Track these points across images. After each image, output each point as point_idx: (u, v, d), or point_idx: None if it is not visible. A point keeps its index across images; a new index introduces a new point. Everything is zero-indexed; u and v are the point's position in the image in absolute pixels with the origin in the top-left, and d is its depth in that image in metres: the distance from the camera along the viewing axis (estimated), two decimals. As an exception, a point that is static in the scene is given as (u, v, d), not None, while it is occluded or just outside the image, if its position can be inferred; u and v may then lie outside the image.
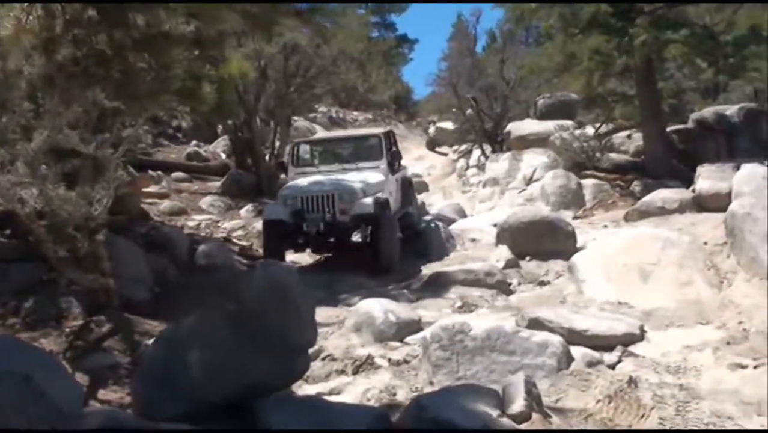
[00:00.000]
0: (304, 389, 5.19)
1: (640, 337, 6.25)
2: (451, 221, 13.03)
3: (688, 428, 4.35)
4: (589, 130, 17.15)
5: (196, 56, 6.45)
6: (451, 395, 4.30)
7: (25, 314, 5.98)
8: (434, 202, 17.08)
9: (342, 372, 5.64)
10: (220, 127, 18.85)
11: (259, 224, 11.11)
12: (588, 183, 14.48)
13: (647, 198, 11.82)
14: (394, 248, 9.72)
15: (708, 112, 15.93)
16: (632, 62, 13.81)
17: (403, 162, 12.09)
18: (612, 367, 5.56)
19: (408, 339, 6.36)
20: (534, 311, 6.52)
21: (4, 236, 7.00)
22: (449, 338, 5.35)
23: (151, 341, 5.31)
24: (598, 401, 4.68)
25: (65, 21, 5.07)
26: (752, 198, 7.96)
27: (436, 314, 7.36)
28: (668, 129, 15.49)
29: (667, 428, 4.36)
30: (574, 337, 5.88)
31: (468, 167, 22.19)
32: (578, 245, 9.57)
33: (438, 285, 8.77)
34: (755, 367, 5.34)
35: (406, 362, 5.76)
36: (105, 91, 5.90)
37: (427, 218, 12.77)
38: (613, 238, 9.11)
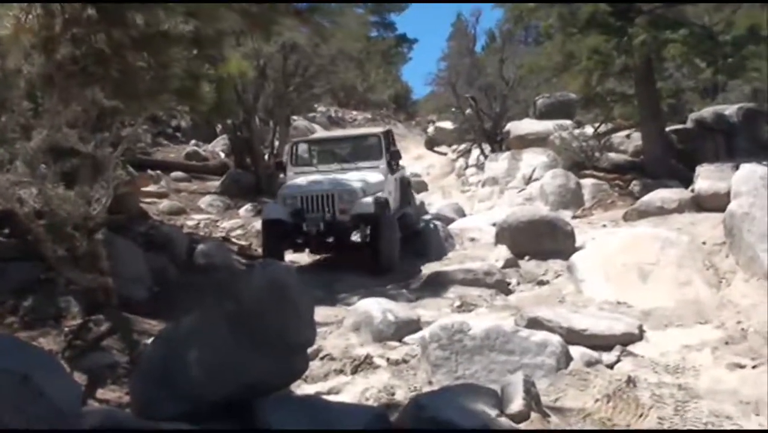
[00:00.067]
0: (303, 388, 5.19)
1: (638, 337, 6.25)
2: (450, 221, 13.03)
3: (687, 427, 4.36)
4: (588, 130, 17.15)
5: (195, 55, 6.44)
6: (450, 395, 4.31)
7: (24, 313, 5.97)
8: (433, 202, 17.09)
9: (341, 372, 5.64)
10: (219, 127, 18.85)
11: (257, 224, 11.11)
12: (587, 183, 14.49)
13: (646, 198, 11.82)
14: (394, 248, 9.70)
15: (707, 112, 15.93)
16: (631, 62, 13.81)
17: (402, 161, 12.09)
18: (611, 366, 5.56)
19: (407, 339, 6.36)
20: (533, 311, 6.53)
21: (3, 235, 6.99)
22: (448, 337, 5.35)
23: (150, 341, 5.31)
24: (597, 400, 4.68)
25: (64, 20, 5.07)
26: (751, 198, 7.96)
27: (435, 313, 7.35)
28: (667, 129, 15.50)
29: (665, 427, 4.36)
30: (572, 336, 5.88)
31: (467, 167, 22.21)
32: (577, 244, 9.58)
33: (437, 285, 8.77)
34: (754, 367, 5.35)
35: (405, 361, 5.76)
36: (104, 90, 5.89)
37: (426, 217, 12.77)
38: (612, 237, 9.12)
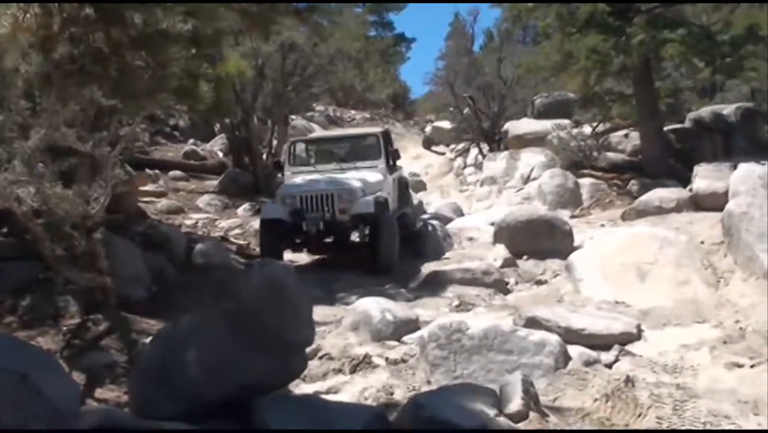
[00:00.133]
0: (301, 387, 5.18)
1: (637, 336, 6.26)
2: (448, 220, 13.04)
3: (685, 427, 4.36)
4: (587, 130, 17.16)
5: (194, 55, 6.44)
6: (449, 394, 4.30)
7: (22, 312, 5.96)
8: (432, 201, 17.09)
9: (339, 371, 5.64)
10: (217, 126, 18.84)
11: (256, 223, 11.08)
12: (585, 182, 14.49)
13: (644, 197, 11.83)
14: (393, 248, 9.67)
15: (705, 111, 15.94)
16: (629, 61, 13.82)
17: (400, 161, 12.07)
18: (609, 366, 5.56)
19: (405, 338, 6.36)
20: (531, 310, 6.53)
21: (1, 234, 6.98)
22: (446, 337, 5.35)
23: (148, 340, 5.30)
24: (596, 400, 4.68)
25: (62, 19, 5.06)
26: (749, 197, 7.98)
27: (434, 313, 7.35)
28: (665, 128, 15.51)
29: (664, 427, 4.36)
30: (571, 336, 5.89)
31: (465, 166, 22.21)
32: (575, 244, 9.59)
33: (435, 284, 8.78)
34: (752, 366, 5.35)
35: (404, 361, 5.76)
36: (102, 89, 5.89)
37: (425, 216, 12.76)
38: (611, 237, 9.13)
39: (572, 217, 12.68)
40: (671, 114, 16.71)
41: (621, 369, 5.42)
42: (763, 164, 9.01)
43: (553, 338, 5.48)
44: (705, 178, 11.44)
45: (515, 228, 10.08)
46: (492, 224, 11.27)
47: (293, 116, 20.13)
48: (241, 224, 12.51)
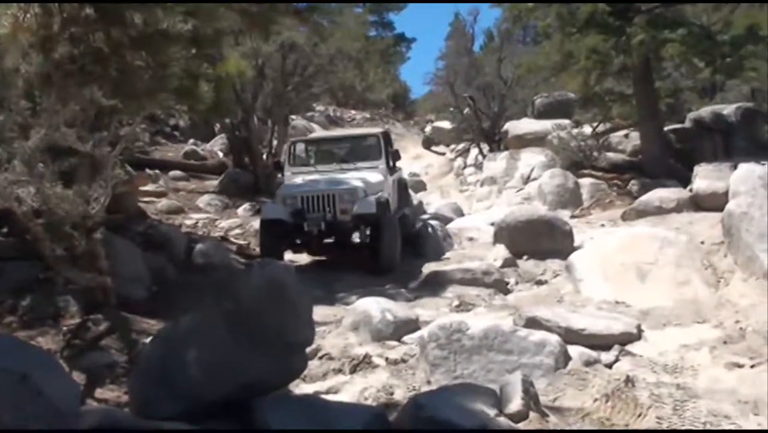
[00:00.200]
0: (301, 387, 5.18)
1: (637, 336, 6.26)
2: (448, 220, 13.03)
3: (685, 427, 4.36)
4: (587, 130, 17.17)
5: (194, 55, 6.44)
6: (449, 394, 4.30)
7: (22, 312, 5.96)
8: (432, 201, 17.09)
9: (339, 371, 5.64)
10: (217, 126, 18.84)
11: (256, 223, 11.06)
12: (585, 182, 14.49)
13: (644, 197, 11.82)
14: (395, 249, 9.64)
15: (705, 111, 15.94)
16: (629, 61, 13.82)
17: (400, 161, 12.05)
18: (609, 366, 5.56)
19: (405, 338, 6.36)
20: (531, 310, 6.53)
21: (2, 234, 6.98)
22: (447, 337, 5.35)
23: (148, 340, 5.30)
24: (596, 400, 4.68)
25: (62, 19, 5.06)
26: (749, 197, 7.98)
27: (434, 313, 7.35)
28: (665, 128, 15.51)
29: (664, 427, 4.36)
30: (571, 336, 5.89)
31: (465, 166, 22.21)
32: (575, 244, 9.59)
33: (435, 284, 8.78)
34: (752, 366, 5.36)
35: (404, 361, 5.76)
36: (102, 89, 5.88)
37: (425, 217, 12.76)
38: (611, 237, 9.13)
39: (572, 217, 12.68)
40: (671, 114, 16.71)
41: (621, 369, 5.42)
42: (763, 164, 9.01)
43: (554, 338, 5.48)
44: (705, 178, 11.44)
45: (515, 228, 10.08)
46: (492, 224, 11.27)
47: (293, 116, 20.14)
48: (241, 224, 12.51)
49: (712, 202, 10.32)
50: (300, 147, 11.32)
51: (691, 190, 11.59)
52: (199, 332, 4.11)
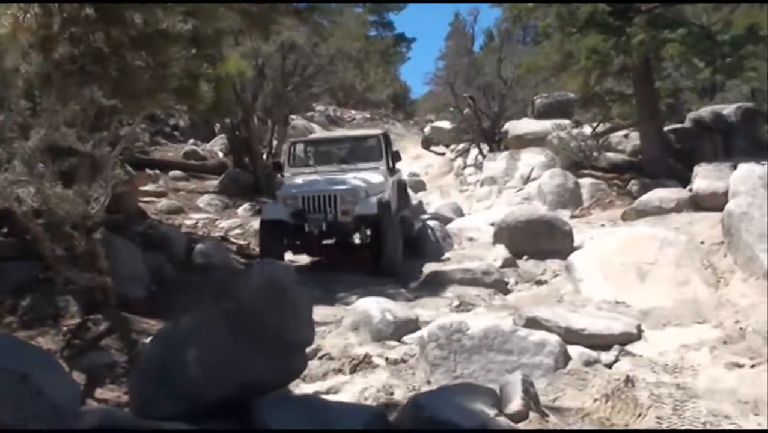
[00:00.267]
0: (301, 387, 5.18)
1: (637, 336, 6.26)
2: (448, 220, 13.03)
3: (685, 427, 4.36)
4: (587, 130, 17.18)
5: (194, 55, 6.44)
6: (449, 394, 4.30)
7: (22, 312, 5.95)
8: (432, 201, 17.10)
9: (339, 371, 5.64)
10: (217, 126, 18.84)
11: (256, 223, 11.04)
12: (585, 182, 14.49)
13: (644, 197, 11.83)
14: (397, 250, 9.58)
15: (705, 111, 15.95)
16: (629, 61, 13.83)
17: (399, 162, 12.03)
18: (609, 366, 5.56)
19: (405, 338, 6.36)
20: (531, 310, 6.53)
21: (1, 234, 6.97)
22: (446, 337, 5.35)
23: (148, 340, 5.30)
24: (596, 400, 4.68)
25: (62, 19, 5.06)
26: (749, 197, 7.98)
27: (434, 313, 7.35)
28: (665, 128, 15.52)
29: (664, 427, 4.36)
30: (571, 336, 5.89)
31: (465, 166, 22.22)
32: (575, 244, 9.59)
33: (435, 284, 8.78)
34: (752, 366, 5.36)
35: (404, 361, 5.76)
36: (102, 89, 5.88)
37: (424, 217, 12.75)
38: (611, 237, 9.13)
39: (572, 217, 12.69)
40: (671, 114, 16.72)
41: (621, 369, 5.42)
42: (763, 164, 9.01)
43: (553, 338, 5.48)
44: (705, 178, 11.44)
45: (515, 228, 10.08)
46: (492, 224, 11.27)
47: (293, 116, 20.14)
48: (241, 224, 12.51)
49: (712, 202, 10.32)
50: (300, 147, 11.29)
51: (690, 190, 11.59)
52: (199, 332, 4.11)
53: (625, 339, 6.11)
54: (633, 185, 14.00)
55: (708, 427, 4.34)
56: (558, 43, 15.12)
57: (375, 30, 37.29)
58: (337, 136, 13.81)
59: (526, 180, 16.48)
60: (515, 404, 4.17)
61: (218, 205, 13.86)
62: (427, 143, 27.36)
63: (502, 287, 8.66)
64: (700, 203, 11.04)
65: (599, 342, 5.96)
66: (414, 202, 13.62)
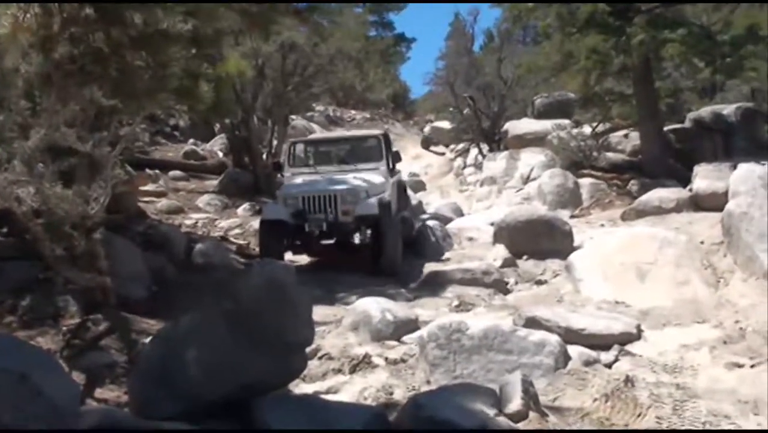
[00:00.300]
0: (301, 387, 5.18)
1: (637, 336, 6.26)
2: (448, 220, 13.03)
3: (685, 427, 4.36)
4: (587, 130, 17.17)
5: (194, 55, 6.44)
6: (449, 394, 4.30)
7: (22, 312, 5.95)
8: (431, 201, 17.10)
9: (339, 371, 5.63)
10: (217, 126, 18.84)
11: (256, 223, 11.03)
12: (585, 182, 14.49)
13: (644, 197, 11.83)
14: (397, 251, 9.56)
15: (705, 111, 15.95)
16: (629, 61, 13.83)
17: (399, 163, 12.01)
18: (609, 366, 5.56)
19: (405, 338, 6.36)
20: (531, 310, 6.53)
21: (1, 234, 6.97)
22: (446, 337, 5.35)
23: (148, 340, 5.30)
24: (595, 400, 4.68)
25: (62, 19, 5.07)
26: (749, 197, 7.98)
27: (434, 313, 7.35)
28: (665, 128, 15.52)
29: (663, 427, 4.37)
30: (571, 336, 5.89)
31: (465, 166, 22.22)
32: (575, 244, 9.59)
33: (435, 284, 8.77)
34: (752, 366, 5.36)
35: (403, 361, 5.75)
36: (102, 89, 5.88)
37: (424, 216, 12.74)
38: (610, 237, 9.13)
39: (572, 217, 12.68)
40: (671, 114, 16.72)
41: (621, 369, 5.42)
42: (763, 164, 9.01)
43: (553, 338, 5.48)
44: (705, 178, 11.44)
45: (515, 228, 10.08)
46: (492, 224, 11.27)
47: (293, 116, 20.13)
48: (240, 223, 12.51)
49: (712, 202, 10.32)
50: (300, 148, 11.27)
51: (690, 190, 11.59)
52: (199, 332, 4.11)
53: (625, 339, 6.11)
54: (633, 185, 13.99)
55: (708, 427, 4.35)
56: (558, 43, 15.12)
57: (375, 30, 37.33)
58: (338, 136, 13.79)
59: (526, 180, 16.48)
60: (515, 403, 4.17)
61: (218, 205, 13.86)
62: (426, 143, 27.36)
63: (501, 287, 8.66)
64: (699, 203, 11.04)
65: (599, 342, 5.96)
66: (414, 202, 13.60)
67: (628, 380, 4.91)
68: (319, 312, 6.57)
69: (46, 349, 5.25)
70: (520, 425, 4.09)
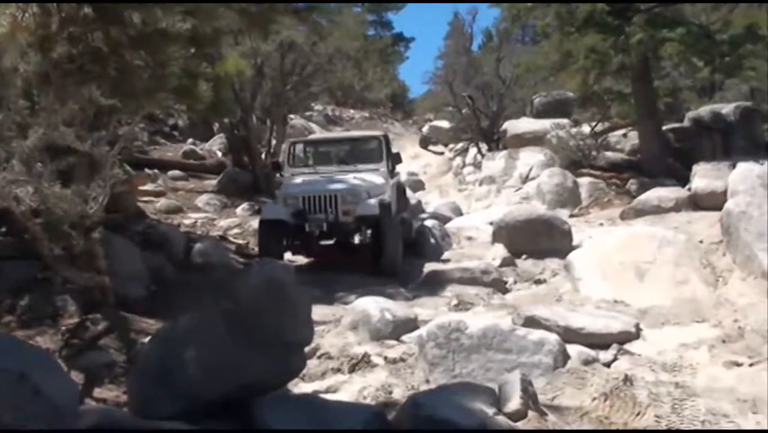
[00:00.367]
0: (300, 387, 5.18)
1: (635, 335, 6.26)
2: (447, 219, 13.04)
3: (684, 426, 4.36)
4: (586, 129, 17.18)
5: (193, 54, 6.44)
6: (448, 394, 4.30)
7: (21, 312, 5.94)
8: (430, 201, 17.11)
9: (338, 370, 5.63)
10: (216, 126, 18.83)
11: (255, 222, 11.01)
12: (584, 181, 14.50)
13: (643, 196, 11.83)
14: (398, 251, 9.54)
15: (704, 110, 15.96)
16: (628, 61, 13.83)
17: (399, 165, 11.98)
18: (608, 365, 5.57)
19: (404, 337, 6.36)
20: (530, 310, 6.53)
21: (0, 234, 6.97)
22: (445, 336, 5.35)
23: (147, 340, 5.29)
24: (594, 399, 4.68)
25: (61, 18, 5.06)
26: (747, 197, 7.99)
27: (433, 312, 7.36)
28: (664, 127, 15.53)
29: (662, 426, 4.37)
30: (570, 335, 5.89)
31: (464, 166, 22.23)
32: (574, 243, 9.60)
33: (434, 283, 8.78)
34: (751, 365, 5.36)
35: (403, 360, 5.76)
36: (101, 88, 5.88)
37: (423, 216, 12.74)
38: (609, 236, 9.13)
39: (571, 216, 12.68)
40: (670, 113, 16.72)
41: (620, 368, 5.42)
42: (762, 163, 9.03)
43: (552, 337, 5.48)
44: (704, 177, 11.45)
45: (514, 227, 10.09)
46: (491, 223, 11.27)
47: (292, 116, 20.13)
48: (240, 223, 12.50)
49: (711, 202, 10.33)
50: (300, 147, 11.26)
51: (689, 190, 11.60)
52: (198, 331, 4.11)
53: (624, 338, 6.11)
54: (632, 184, 14.01)
55: (707, 426, 4.35)
56: (557, 42, 15.12)
57: (374, 29, 37.39)
58: (338, 137, 13.79)
59: (525, 179, 16.50)
60: (514, 403, 4.17)
61: (217, 204, 13.84)
62: (425, 143, 27.36)
63: (500, 286, 8.66)
64: (698, 202, 11.05)
65: (598, 341, 5.96)
66: (413, 201, 13.60)
67: (627, 379, 4.91)
68: (318, 312, 6.56)
69: (44, 348, 5.24)
70: (519, 424, 4.09)
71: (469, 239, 11.56)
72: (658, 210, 11.16)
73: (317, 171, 10.57)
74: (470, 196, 17.82)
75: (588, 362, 5.48)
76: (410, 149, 25.73)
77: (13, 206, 5.83)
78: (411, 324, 6.60)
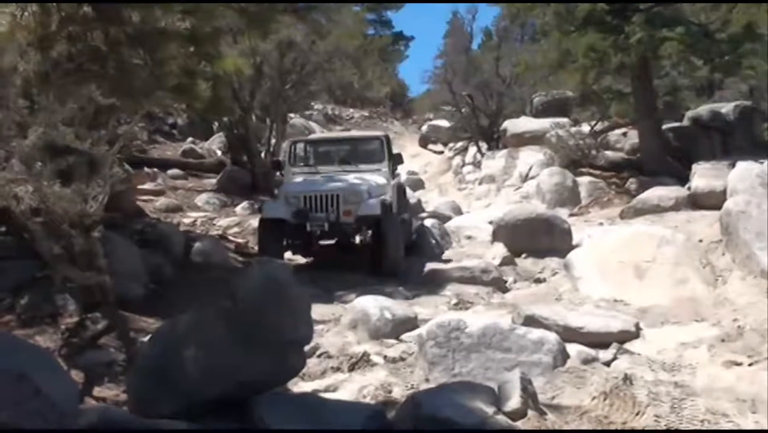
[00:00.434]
0: (299, 386, 5.18)
1: (635, 334, 6.26)
2: (447, 219, 13.05)
3: (683, 425, 4.35)
4: (585, 128, 17.19)
5: (192, 53, 6.42)
6: (447, 393, 4.30)
7: (20, 311, 5.95)
8: (430, 200, 17.10)
9: (338, 369, 5.64)
10: (215, 124, 18.80)
11: (254, 221, 11.02)
12: (584, 181, 14.51)
13: (643, 196, 11.84)
14: (399, 251, 9.54)
15: (703, 109, 15.96)
16: (628, 60, 13.83)
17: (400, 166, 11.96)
18: (607, 364, 5.56)
19: (404, 336, 6.36)
20: (530, 309, 6.53)
21: (0, 233, 6.97)
22: (445, 335, 5.35)
23: (146, 338, 5.29)
24: (594, 398, 4.68)
25: (60, 18, 5.05)
26: (747, 196, 8.00)
27: (432, 311, 7.36)
28: (663, 127, 15.52)
29: (662, 425, 4.36)
30: (569, 334, 5.89)
31: (464, 165, 22.21)
32: (574, 242, 9.60)
33: (434, 282, 8.78)
34: (750, 364, 5.36)
35: (402, 359, 5.76)
36: (100, 87, 5.87)
37: (423, 215, 12.74)
38: (609, 235, 9.13)
39: (571, 215, 12.69)
40: (669, 112, 16.70)
41: (619, 367, 5.42)
42: (762, 163, 9.03)
43: (552, 336, 5.48)
44: (703, 176, 11.46)
45: (514, 226, 10.09)
46: (491, 222, 11.28)
47: (291, 114, 20.10)
48: (239, 222, 12.49)
49: (710, 201, 10.34)
50: (301, 147, 11.25)
51: (689, 189, 11.61)
52: (198, 330, 4.11)
53: (624, 337, 6.11)
54: (631, 184, 14.02)
55: (706, 425, 4.34)
56: (556, 41, 15.12)
57: (373, 28, 37.33)
58: (339, 136, 13.80)
59: (525, 178, 16.50)
60: (514, 402, 4.17)
61: (216, 203, 13.83)
62: (425, 141, 27.35)
63: (500, 285, 8.67)
64: (698, 202, 11.05)
65: (597, 340, 5.96)
66: (412, 200, 13.60)
67: (627, 379, 4.91)
68: (318, 311, 6.56)
69: (44, 347, 5.25)
70: (519, 424, 4.09)
71: (469, 238, 11.57)
72: (657, 209, 11.17)
73: (318, 171, 10.56)
74: (470, 196, 17.83)
75: (587, 361, 5.48)
76: (410, 148, 25.71)
77: (12, 205, 5.82)
78: (410, 323, 6.60)
